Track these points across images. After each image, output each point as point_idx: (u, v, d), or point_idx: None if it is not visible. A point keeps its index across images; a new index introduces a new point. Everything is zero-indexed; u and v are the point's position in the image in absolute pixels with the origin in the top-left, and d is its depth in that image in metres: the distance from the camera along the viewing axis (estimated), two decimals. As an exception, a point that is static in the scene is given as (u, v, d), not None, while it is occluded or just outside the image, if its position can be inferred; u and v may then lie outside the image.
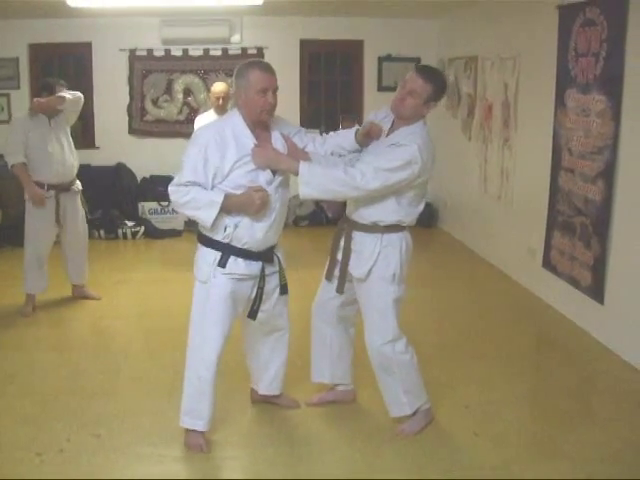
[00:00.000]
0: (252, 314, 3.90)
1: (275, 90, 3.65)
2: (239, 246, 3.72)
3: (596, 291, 5.54)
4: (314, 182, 3.66)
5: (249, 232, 3.70)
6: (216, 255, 3.72)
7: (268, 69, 3.65)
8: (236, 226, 3.67)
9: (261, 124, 3.72)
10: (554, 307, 6.33)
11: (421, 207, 3.97)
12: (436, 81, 3.81)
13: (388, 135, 3.89)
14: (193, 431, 3.92)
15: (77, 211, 6.35)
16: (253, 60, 3.78)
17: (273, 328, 4.14)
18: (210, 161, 3.58)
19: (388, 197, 3.81)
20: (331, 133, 4.10)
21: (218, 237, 3.71)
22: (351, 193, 3.72)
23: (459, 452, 3.95)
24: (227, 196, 3.60)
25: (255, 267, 3.81)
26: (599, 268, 5.48)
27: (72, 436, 4.05)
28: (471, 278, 7.45)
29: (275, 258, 3.93)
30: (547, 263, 6.42)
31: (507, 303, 6.61)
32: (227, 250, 3.72)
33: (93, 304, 6.48)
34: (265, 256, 3.85)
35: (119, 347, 5.55)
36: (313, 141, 3.98)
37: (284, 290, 4.02)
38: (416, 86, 3.76)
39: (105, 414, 4.34)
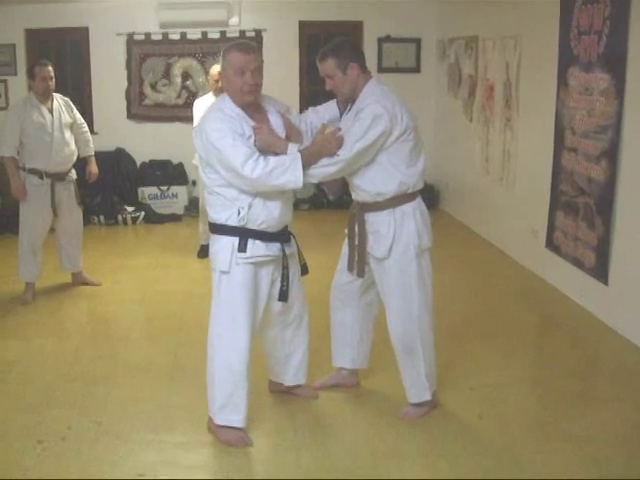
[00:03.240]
0: (282, 296, 3.83)
1: (255, 70, 3.58)
2: (255, 228, 3.65)
3: (600, 272, 5.50)
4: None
5: (264, 211, 3.64)
6: (234, 241, 3.65)
7: (246, 49, 3.62)
8: (250, 206, 3.60)
9: (251, 105, 3.67)
10: (558, 288, 6.29)
11: (420, 165, 3.89)
12: (331, 52, 3.84)
13: (350, 111, 3.88)
14: (229, 427, 3.82)
15: (72, 200, 6.31)
16: (234, 42, 3.74)
17: (291, 316, 4.05)
18: (240, 133, 3.53)
19: (381, 163, 3.78)
20: (310, 108, 4.15)
21: (233, 222, 3.63)
22: (336, 166, 3.69)
23: (464, 435, 3.92)
24: (302, 150, 3.59)
25: (274, 248, 3.75)
26: (603, 248, 5.43)
27: (73, 424, 4.03)
28: (473, 260, 7.41)
29: (292, 238, 3.89)
30: (550, 244, 6.37)
31: (510, 284, 6.58)
32: (244, 234, 3.65)
33: (93, 290, 6.45)
34: (282, 236, 3.80)
35: (119, 333, 5.54)
36: (300, 120, 3.97)
37: (305, 270, 3.97)
38: (325, 70, 3.87)
39: (106, 401, 4.32)
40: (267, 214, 3.66)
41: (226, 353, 3.74)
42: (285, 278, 3.82)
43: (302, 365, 4.20)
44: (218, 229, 3.72)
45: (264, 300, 3.83)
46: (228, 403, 3.77)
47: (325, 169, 3.69)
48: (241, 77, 3.56)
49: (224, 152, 3.49)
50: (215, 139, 3.51)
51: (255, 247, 3.68)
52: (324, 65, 3.85)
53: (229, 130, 3.52)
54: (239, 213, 3.61)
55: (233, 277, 3.68)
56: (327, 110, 4.05)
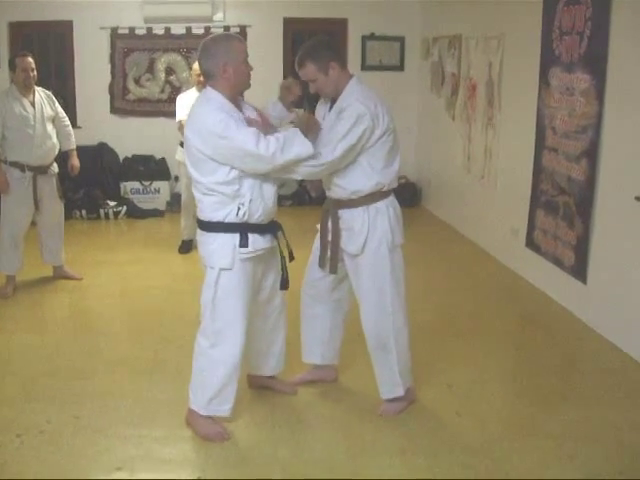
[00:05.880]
0: (283, 284, 3.91)
1: None
2: (253, 222, 3.67)
3: (579, 271, 5.54)
4: None
5: (262, 203, 3.67)
6: (235, 237, 3.66)
7: (242, 39, 3.75)
8: (250, 201, 3.62)
9: (236, 98, 3.71)
10: (537, 287, 6.33)
11: (396, 165, 3.94)
12: (308, 57, 3.84)
13: (331, 109, 3.91)
14: (211, 419, 3.85)
15: (53, 193, 6.30)
16: (224, 33, 3.81)
17: (274, 305, 4.09)
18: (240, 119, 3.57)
19: (361, 163, 3.81)
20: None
21: (232, 219, 3.63)
22: (322, 167, 3.71)
23: (442, 432, 3.94)
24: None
25: (269, 240, 3.80)
26: (582, 247, 5.47)
27: (52, 417, 4.03)
28: (454, 258, 7.44)
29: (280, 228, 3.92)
30: (530, 243, 6.41)
31: (490, 283, 6.62)
32: (244, 229, 3.67)
33: (74, 284, 6.44)
34: (273, 227, 3.84)
35: (100, 328, 5.53)
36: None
37: (292, 257, 3.99)
38: (306, 76, 3.87)
39: (85, 395, 4.31)
40: (264, 207, 3.69)
41: (221, 348, 3.75)
42: (284, 267, 3.88)
43: (282, 353, 4.24)
44: (214, 227, 3.69)
45: (256, 292, 3.88)
46: (218, 396, 3.80)
47: (311, 169, 3.70)
48: (247, 65, 3.66)
49: (234, 139, 3.47)
50: (221, 130, 3.47)
51: (255, 241, 3.71)
52: (304, 71, 3.85)
53: (230, 118, 3.52)
54: (239, 209, 3.62)
55: (235, 273, 3.69)
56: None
